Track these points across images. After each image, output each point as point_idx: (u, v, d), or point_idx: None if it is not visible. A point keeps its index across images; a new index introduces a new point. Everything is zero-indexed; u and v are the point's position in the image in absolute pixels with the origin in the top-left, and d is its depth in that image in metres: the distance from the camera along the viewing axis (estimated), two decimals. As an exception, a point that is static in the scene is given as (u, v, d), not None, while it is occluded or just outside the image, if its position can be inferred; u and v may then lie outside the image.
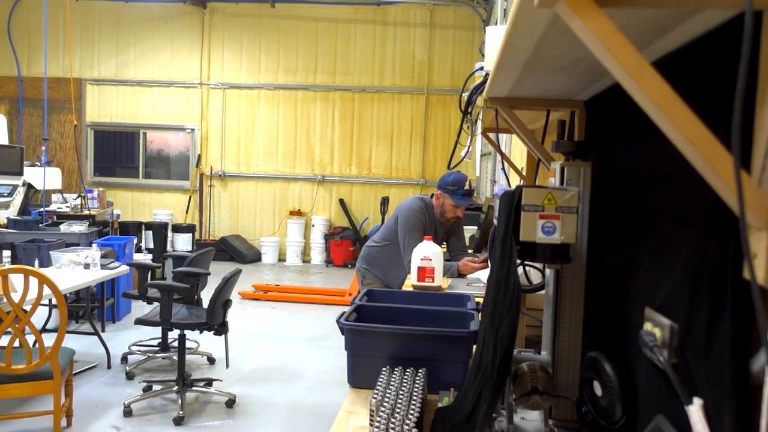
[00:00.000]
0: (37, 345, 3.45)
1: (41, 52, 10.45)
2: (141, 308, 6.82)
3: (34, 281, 3.43)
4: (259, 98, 10.64)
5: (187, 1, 10.24)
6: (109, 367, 4.96)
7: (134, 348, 5.26)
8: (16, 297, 3.39)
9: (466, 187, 3.79)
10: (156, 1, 10.37)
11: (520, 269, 1.62)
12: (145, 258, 7.40)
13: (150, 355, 5.11)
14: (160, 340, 5.17)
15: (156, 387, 4.43)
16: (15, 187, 7.56)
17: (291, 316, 7.07)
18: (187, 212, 10.60)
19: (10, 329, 3.35)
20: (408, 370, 1.80)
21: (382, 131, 10.48)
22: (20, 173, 7.63)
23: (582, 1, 0.70)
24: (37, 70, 10.56)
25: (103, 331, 5.72)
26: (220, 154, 10.70)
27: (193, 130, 10.71)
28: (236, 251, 10.07)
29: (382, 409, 1.56)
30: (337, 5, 10.29)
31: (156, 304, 4.75)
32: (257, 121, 10.65)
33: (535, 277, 1.78)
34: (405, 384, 1.71)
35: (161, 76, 10.65)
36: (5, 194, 7.53)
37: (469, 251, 4.35)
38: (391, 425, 1.46)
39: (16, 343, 3.37)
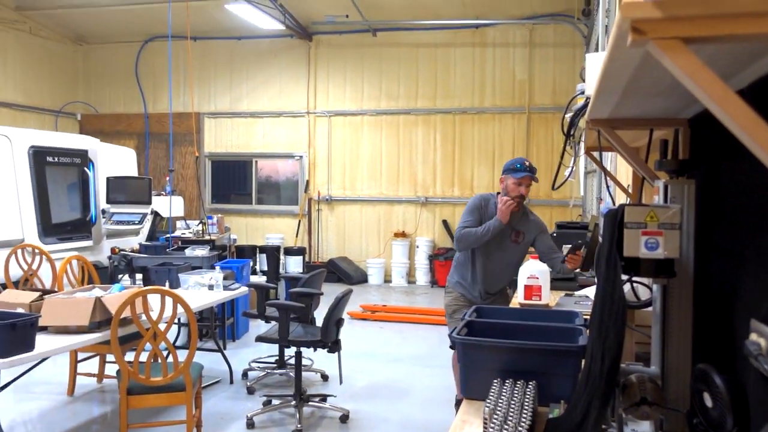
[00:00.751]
0: (170, 359, 3.78)
1: (165, 91, 11.34)
2: (258, 327, 7.21)
3: (168, 301, 3.77)
4: (363, 124, 11.00)
5: (294, 36, 10.80)
6: (231, 382, 5.29)
7: (254, 364, 5.59)
8: (153, 315, 3.74)
9: (525, 164, 3.95)
10: (265, 37, 11.00)
11: (627, 286, 1.68)
12: (260, 279, 7.82)
13: (269, 371, 5.40)
14: (277, 357, 5.46)
15: (275, 401, 4.70)
16: (144, 215, 8.23)
17: (398, 336, 7.23)
18: (297, 235, 11.07)
19: (148, 345, 3.70)
20: (519, 382, 1.88)
21: (483, 152, 10.53)
22: (149, 202, 8.29)
23: (669, 42, 0.79)
24: (161, 107, 11.48)
25: (225, 348, 6.09)
26: (326, 179, 11.12)
27: (301, 157, 11.21)
28: (344, 273, 10.39)
29: (495, 417, 1.65)
30: (436, 31, 10.50)
31: (273, 323, 5.05)
32: (361, 146, 11.00)
33: (644, 294, 1.82)
34: (516, 395, 1.79)
35: (271, 107, 11.25)
36: (136, 222, 8.22)
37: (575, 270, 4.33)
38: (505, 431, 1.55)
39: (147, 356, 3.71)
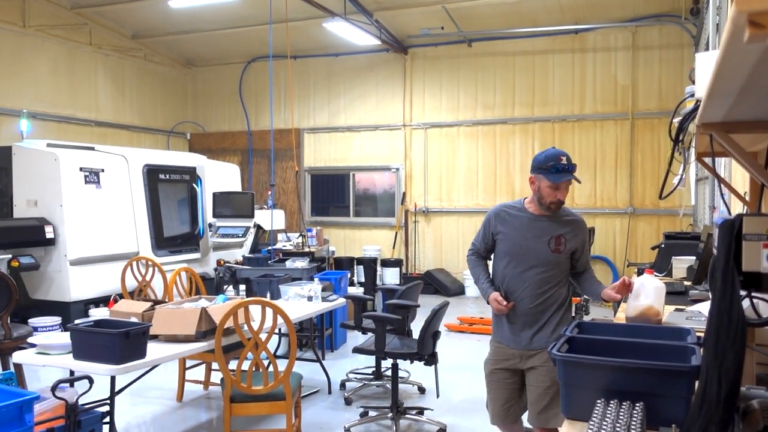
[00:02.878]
0: (271, 369, 3.87)
1: (266, 108, 11.75)
2: (355, 338, 7.27)
3: (269, 312, 3.87)
4: (459, 135, 10.93)
5: (389, 50, 10.92)
6: (329, 392, 5.36)
7: (351, 375, 5.64)
8: (254, 326, 3.85)
9: (563, 162, 3.04)
10: (362, 53, 11.18)
11: (746, 302, 1.55)
12: (357, 291, 7.90)
13: (366, 382, 5.44)
14: (374, 369, 5.49)
15: (372, 413, 4.71)
16: (247, 228, 8.55)
17: (497, 350, 7.08)
18: (393, 247, 11.13)
19: (250, 354, 3.81)
20: (624, 403, 1.77)
21: (584, 160, 10.18)
22: (252, 216, 8.62)
23: (794, 34, 0.72)
24: (263, 124, 11.91)
25: (323, 358, 6.19)
26: (423, 191, 11.12)
27: (397, 169, 11.28)
28: (440, 284, 10.33)
29: (600, 440, 1.56)
30: (534, 38, 10.30)
31: (370, 334, 5.08)
32: (457, 156, 10.94)
33: (765, 310, 1.67)
34: (622, 417, 1.69)
35: (368, 120, 11.40)
36: (239, 235, 8.55)
37: (686, 283, 4.00)
38: (610, 456, 1.46)
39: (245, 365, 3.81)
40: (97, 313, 5.59)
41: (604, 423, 1.65)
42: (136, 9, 9.95)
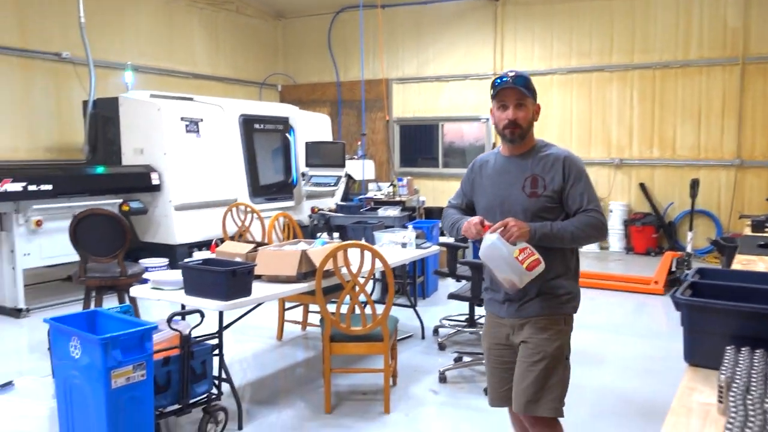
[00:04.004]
0: (368, 311, 3.95)
1: (355, 59, 11.74)
2: (446, 286, 7.31)
3: (368, 255, 3.93)
4: (552, 84, 10.56)
5: (481, -4, 10.60)
6: (423, 337, 5.44)
7: (445, 321, 5.68)
8: (352, 269, 3.92)
9: (509, 75, 2.51)
10: (451, 0, 10.91)
11: None
12: (448, 240, 7.90)
13: (459, 329, 5.47)
14: (467, 316, 5.50)
15: (466, 358, 4.74)
16: (339, 177, 8.67)
17: (589, 302, 6.93)
18: (482, 199, 11.00)
19: (348, 297, 3.89)
20: (757, 351, 1.69)
21: (687, 109, 9.63)
22: (343, 165, 8.71)
23: None
24: (352, 75, 11.91)
25: (416, 305, 6.26)
26: (513, 142, 10.87)
27: (487, 119, 11.06)
28: (530, 237, 10.17)
29: (734, 387, 1.50)
30: (636, -22, 9.71)
31: (464, 282, 5.09)
32: (550, 107, 10.58)
33: None
34: (756, 365, 1.62)
35: (457, 70, 11.18)
36: (331, 184, 8.68)
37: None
38: (749, 402, 1.40)
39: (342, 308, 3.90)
40: (201, 256, 5.87)
41: (737, 370, 1.58)
42: (230, -39, 10.06)
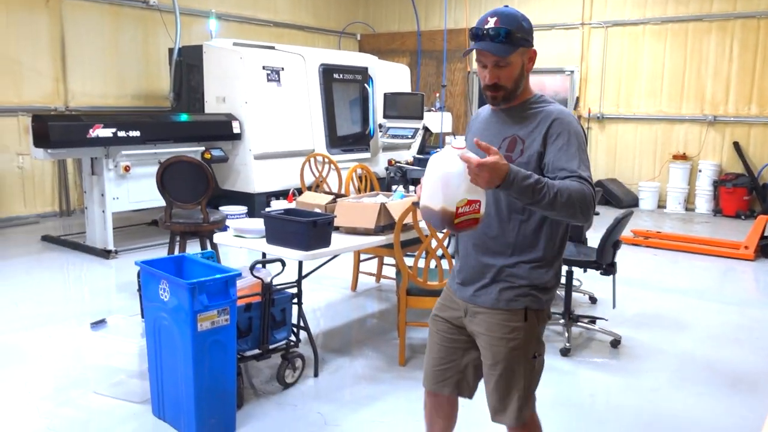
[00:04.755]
0: (446, 266, 3.92)
1: (436, 8, 11.47)
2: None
3: (446, 210, 3.88)
4: (644, 34, 10.00)
5: (571, -61, 10.05)
6: (497, 294, 5.38)
7: (520, 280, 5.59)
8: (432, 223, 3.89)
9: (487, 24, 1.97)
10: (540, -56, 10.41)
11: None
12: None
13: (535, 288, 5.37)
14: (544, 275, 5.40)
15: (542, 318, 4.67)
16: (416, 129, 8.57)
17: (673, 266, 6.69)
18: (562, 155, 10.68)
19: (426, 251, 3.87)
20: None
21: (795, 64, 8.96)
22: (421, 117, 8.60)
23: None
24: (433, 24, 11.66)
25: (490, 262, 6.20)
26: (599, 96, 10.43)
27: (572, 72, 10.63)
28: (613, 195, 9.83)
29: None
30: None
31: (543, 240, 4.97)
32: (640, 59, 10.06)
33: None
34: None
35: (542, 19, 10.73)
36: (408, 136, 8.60)
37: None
38: None
39: (424, 263, 3.88)
40: (278, 205, 5.97)
41: None
42: None
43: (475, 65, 11.26)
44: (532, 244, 2.06)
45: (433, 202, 1.82)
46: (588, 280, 5.39)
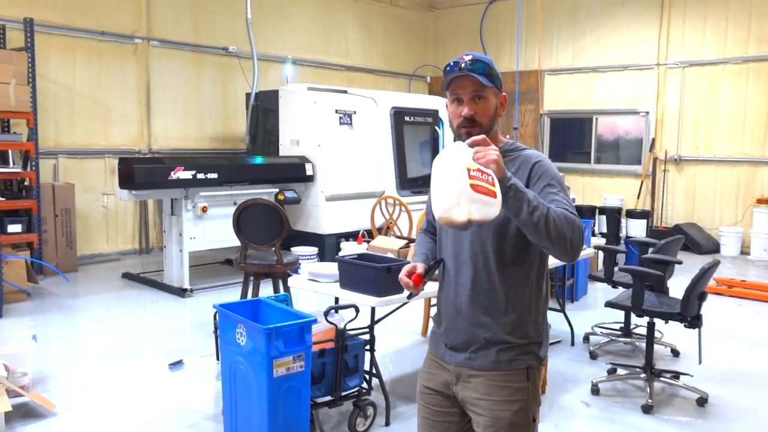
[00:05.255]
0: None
1: (506, 50, 11.50)
2: (595, 290, 6.99)
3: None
4: (724, 74, 9.69)
5: (647, -20, 9.93)
6: (572, 344, 5.21)
7: (597, 329, 5.41)
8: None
9: (465, 59, 1.95)
10: (613, -15, 10.32)
11: None
12: (599, 241, 7.52)
13: (612, 338, 5.18)
14: (622, 325, 5.20)
15: (621, 371, 4.48)
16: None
17: (760, 317, 6.32)
18: (638, 197, 10.37)
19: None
20: None
21: None
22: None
23: None
24: (502, 66, 11.63)
25: (564, 309, 6.02)
26: (675, 137, 10.12)
27: (647, 113, 10.38)
28: (692, 240, 9.44)
29: None
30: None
31: (621, 288, 4.80)
32: (720, 99, 9.73)
33: None
34: None
35: (615, 60, 10.58)
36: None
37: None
38: None
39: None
40: (348, 247, 6.00)
41: None
42: (385, -46, 10.19)
43: (546, 106, 11.19)
44: (525, 297, 1.95)
45: (443, 185, 1.67)
46: (669, 331, 5.15)
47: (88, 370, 4.44)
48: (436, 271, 2.06)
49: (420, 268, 1.97)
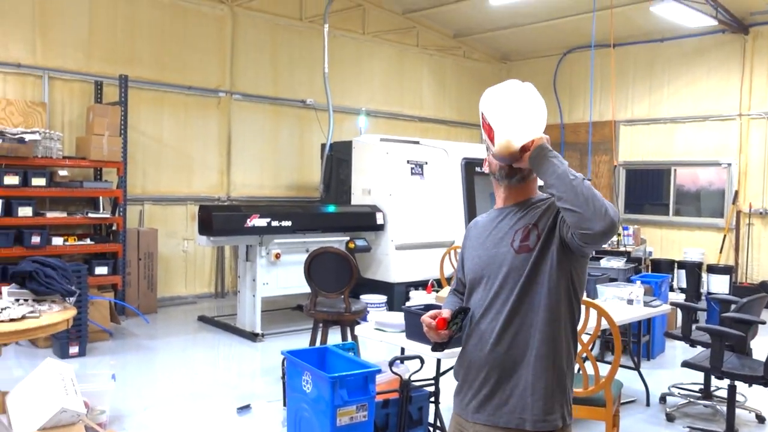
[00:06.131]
0: (591, 372, 3.72)
1: (579, 100, 11.44)
2: (674, 348, 6.70)
3: (592, 312, 3.73)
4: (813, 125, 9.29)
5: (726, 31, 9.73)
6: (647, 404, 4.99)
7: (674, 389, 5.17)
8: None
9: None
10: (691, 36, 10.16)
11: None
12: (678, 297, 7.23)
13: (691, 399, 4.93)
14: (702, 386, 4.95)
15: (700, 435, 4.26)
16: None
17: None
18: (720, 252, 9.94)
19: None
20: None
21: None
22: (563, 211, 8.42)
23: None
24: (576, 116, 11.61)
25: (639, 367, 5.79)
26: (761, 190, 9.71)
27: (729, 164, 10.02)
28: (780, 299, 8.93)
29: None
30: None
31: (699, 347, 4.60)
32: (807, 151, 9.32)
33: None
34: None
35: (695, 111, 10.32)
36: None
37: None
38: None
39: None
40: (417, 296, 6.02)
41: None
42: (459, 9, 10.41)
43: (622, 157, 10.98)
44: (552, 344, 1.88)
45: (505, 119, 1.98)
46: (754, 395, 4.87)
47: (162, 411, 4.59)
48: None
49: (446, 312, 1.97)
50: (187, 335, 6.91)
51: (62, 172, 6.94)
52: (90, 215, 7.12)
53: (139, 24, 8.11)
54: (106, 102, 7.58)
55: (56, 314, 3.85)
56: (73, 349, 5.72)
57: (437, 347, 2.01)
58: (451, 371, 3.58)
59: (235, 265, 8.62)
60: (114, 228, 7.42)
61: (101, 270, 7.04)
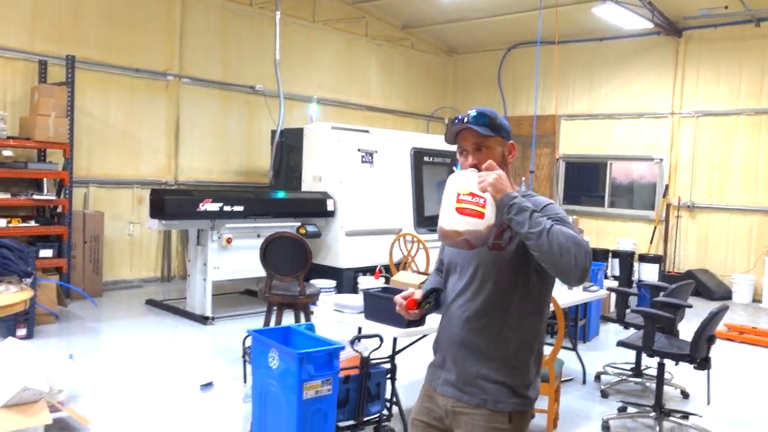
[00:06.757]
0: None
1: (523, 95, 11.84)
2: (607, 331, 7.11)
3: (538, 295, 3.98)
4: (737, 125, 9.91)
5: (661, 33, 10.25)
6: (584, 382, 5.34)
7: (608, 368, 5.53)
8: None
9: (469, 114, 2.10)
10: (628, 37, 10.65)
11: None
12: (612, 284, 7.66)
13: (624, 377, 5.30)
14: (633, 365, 5.33)
15: (631, 409, 4.60)
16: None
17: (774, 365, 6.41)
18: (651, 242, 10.52)
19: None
20: None
21: None
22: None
23: None
24: (519, 110, 12.00)
25: (575, 348, 6.15)
26: (689, 185, 10.31)
27: (661, 160, 10.59)
28: (703, 286, 9.55)
29: None
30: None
31: (632, 329, 4.95)
32: (733, 149, 9.94)
33: None
34: None
35: (631, 108, 10.85)
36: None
37: None
38: None
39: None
40: (365, 281, 6.19)
41: None
42: (408, 1, 10.61)
43: (562, 150, 11.42)
44: (518, 333, 2.03)
45: (443, 205, 1.97)
46: (680, 373, 5.27)
47: (119, 390, 4.63)
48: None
49: (417, 294, 2.16)
50: (135, 318, 6.89)
51: (6, 152, 6.78)
52: (35, 197, 6.97)
53: (86, 4, 7.94)
54: (50, 82, 7.41)
55: (13, 295, 3.85)
56: (21, 332, 5.65)
57: (411, 324, 2.20)
58: (406, 350, 3.79)
59: (183, 250, 8.59)
60: (59, 210, 7.28)
61: (46, 252, 6.92)
